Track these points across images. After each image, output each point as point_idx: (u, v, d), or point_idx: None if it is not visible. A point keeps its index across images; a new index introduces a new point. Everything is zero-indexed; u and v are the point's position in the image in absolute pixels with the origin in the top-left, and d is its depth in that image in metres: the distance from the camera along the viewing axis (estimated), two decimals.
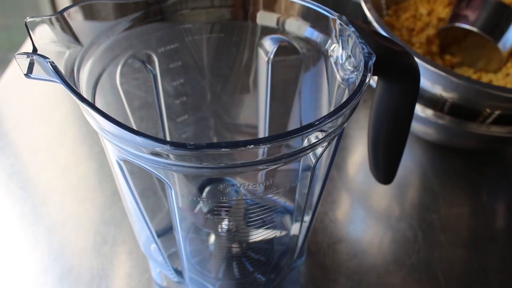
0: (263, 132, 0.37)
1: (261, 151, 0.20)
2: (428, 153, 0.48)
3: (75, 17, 0.24)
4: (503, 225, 0.42)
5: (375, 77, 0.27)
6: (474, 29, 0.45)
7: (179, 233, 0.28)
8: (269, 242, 0.30)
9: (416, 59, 0.38)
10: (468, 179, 0.46)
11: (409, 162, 0.47)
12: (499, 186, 0.45)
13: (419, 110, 0.42)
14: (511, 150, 0.49)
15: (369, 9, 0.44)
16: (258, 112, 0.36)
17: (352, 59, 0.25)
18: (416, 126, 0.46)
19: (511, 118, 0.40)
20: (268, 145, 0.19)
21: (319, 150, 0.24)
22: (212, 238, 0.29)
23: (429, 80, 0.40)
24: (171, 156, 0.20)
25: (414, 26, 0.50)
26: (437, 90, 0.40)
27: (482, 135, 0.41)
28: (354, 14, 0.48)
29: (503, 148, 0.49)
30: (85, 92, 0.24)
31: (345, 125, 0.23)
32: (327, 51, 0.28)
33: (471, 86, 0.38)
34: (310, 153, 0.23)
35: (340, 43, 0.26)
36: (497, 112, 0.39)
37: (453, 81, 0.38)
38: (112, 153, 0.24)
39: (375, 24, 0.43)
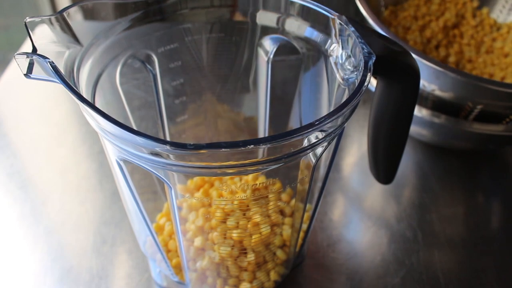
0: (263, 132, 0.37)
1: (261, 151, 0.20)
2: (428, 153, 0.48)
3: (75, 17, 0.24)
4: (502, 225, 0.42)
5: (374, 82, 0.27)
6: None
7: (179, 233, 0.28)
8: (269, 242, 0.30)
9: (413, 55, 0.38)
10: (467, 178, 0.46)
11: (409, 162, 0.47)
12: (498, 186, 0.45)
13: (416, 110, 0.42)
14: (510, 149, 0.49)
15: (364, 7, 0.44)
16: (258, 112, 0.36)
17: (352, 59, 0.25)
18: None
19: (497, 114, 0.40)
20: (268, 145, 0.19)
21: (319, 150, 0.24)
22: (212, 238, 0.29)
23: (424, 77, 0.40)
24: (171, 156, 0.20)
25: (411, 25, 0.51)
26: (432, 87, 0.40)
27: (474, 133, 0.41)
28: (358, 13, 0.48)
29: (501, 149, 0.49)
30: (84, 92, 0.24)
31: (345, 125, 0.23)
32: (327, 51, 0.28)
33: (466, 81, 0.37)
34: (310, 153, 0.23)
35: (340, 43, 0.26)
36: (479, 107, 0.39)
37: (448, 76, 0.38)
38: (112, 153, 0.24)
39: (370, 21, 0.43)
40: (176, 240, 0.29)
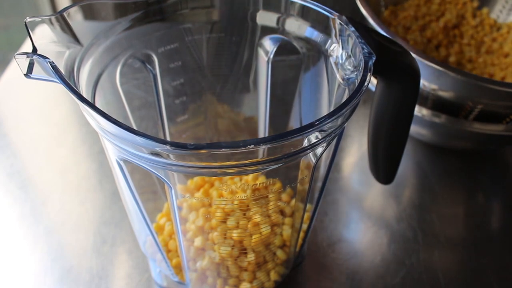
0: (263, 132, 0.37)
1: (261, 151, 0.20)
2: (428, 153, 0.48)
3: (75, 17, 0.24)
4: (502, 225, 0.42)
5: (374, 81, 0.27)
6: None
7: (179, 233, 0.28)
8: (269, 242, 0.30)
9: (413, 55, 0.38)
10: (467, 178, 0.46)
11: (409, 162, 0.47)
12: (498, 186, 0.45)
13: (416, 109, 0.42)
14: (510, 149, 0.49)
15: (364, 7, 0.44)
16: (258, 112, 0.36)
17: (352, 59, 0.25)
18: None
19: (498, 114, 0.40)
20: (268, 145, 0.19)
21: (319, 150, 0.24)
22: (212, 238, 0.29)
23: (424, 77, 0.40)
24: (171, 156, 0.20)
25: (411, 25, 0.51)
26: (432, 87, 0.40)
27: (474, 133, 0.41)
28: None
29: (501, 149, 0.49)
30: (85, 92, 0.24)
31: (345, 125, 0.23)
32: (327, 51, 0.28)
33: (466, 81, 0.37)
34: (310, 153, 0.23)
35: (340, 43, 0.26)
36: (479, 107, 0.39)
37: (449, 76, 0.38)
38: (112, 153, 0.24)
39: (370, 21, 0.43)
40: (176, 240, 0.29)
